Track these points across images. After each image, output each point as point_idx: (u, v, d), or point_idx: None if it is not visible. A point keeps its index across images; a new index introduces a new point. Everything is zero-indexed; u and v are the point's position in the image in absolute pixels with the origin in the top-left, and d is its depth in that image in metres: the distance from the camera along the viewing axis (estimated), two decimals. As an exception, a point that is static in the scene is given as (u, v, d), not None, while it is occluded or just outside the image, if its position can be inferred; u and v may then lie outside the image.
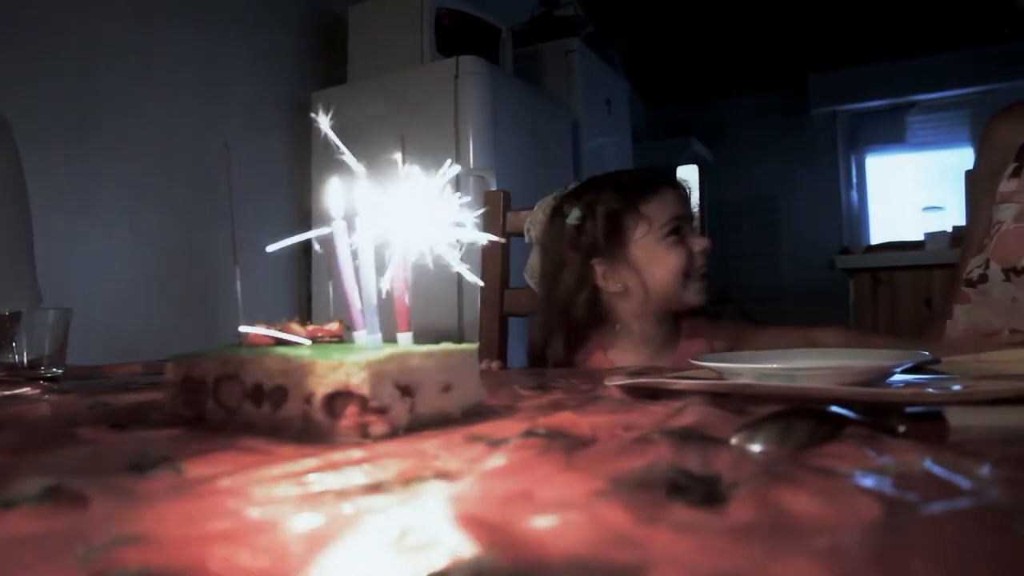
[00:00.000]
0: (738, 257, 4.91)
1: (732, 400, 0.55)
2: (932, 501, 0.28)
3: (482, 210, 0.63)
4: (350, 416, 0.45)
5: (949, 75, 4.24)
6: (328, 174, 0.62)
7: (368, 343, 0.57)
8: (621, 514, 0.27)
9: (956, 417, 0.40)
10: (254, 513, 0.30)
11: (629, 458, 0.37)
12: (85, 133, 2.10)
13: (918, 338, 1.29)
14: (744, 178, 4.93)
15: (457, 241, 0.59)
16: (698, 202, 1.34)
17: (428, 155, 0.62)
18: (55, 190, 2.00)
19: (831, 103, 4.79)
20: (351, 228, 0.58)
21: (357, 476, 0.35)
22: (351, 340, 0.59)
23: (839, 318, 3.25)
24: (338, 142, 0.59)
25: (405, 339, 0.57)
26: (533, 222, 1.47)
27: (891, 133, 4.76)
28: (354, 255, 0.58)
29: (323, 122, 0.59)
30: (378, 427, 0.45)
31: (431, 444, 0.43)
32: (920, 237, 3.25)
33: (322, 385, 0.47)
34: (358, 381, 0.45)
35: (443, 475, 0.35)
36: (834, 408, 0.42)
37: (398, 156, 0.59)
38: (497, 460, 0.37)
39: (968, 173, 1.33)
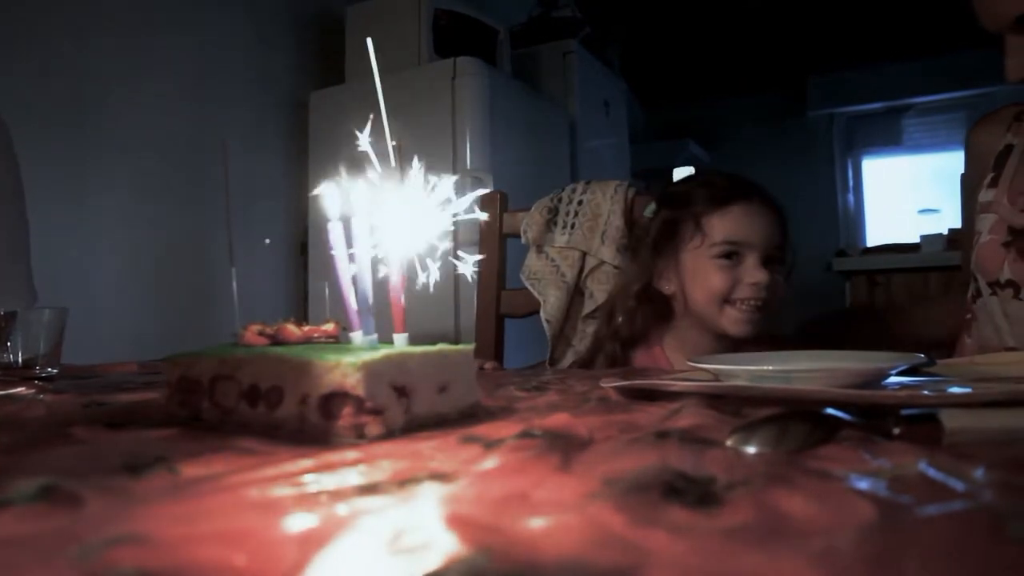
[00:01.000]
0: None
1: (728, 402, 0.55)
2: (926, 503, 0.28)
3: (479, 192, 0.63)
4: (346, 417, 0.45)
5: (945, 78, 4.25)
6: (325, 174, 0.61)
7: (364, 344, 0.57)
8: (616, 516, 0.27)
9: (951, 420, 0.40)
10: (249, 514, 0.30)
11: (624, 460, 0.37)
12: (82, 132, 2.09)
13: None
14: (741, 180, 4.93)
15: (452, 231, 0.59)
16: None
17: (425, 156, 0.62)
18: (52, 189, 1.99)
19: (828, 106, 4.80)
20: (348, 229, 0.58)
21: (352, 477, 0.35)
22: (347, 341, 0.59)
23: (835, 320, 3.25)
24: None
25: (401, 340, 0.56)
26: (530, 223, 1.47)
27: (888, 136, 4.76)
28: (350, 256, 0.58)
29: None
30: (374, 428, 0.45)
31: (427, 445, 0.43)
32: (916, 240, 3.25)
33: (318, 386, 0.47)
34: (354, 382, 0.45)
35: (438, 476, 0.35)
36: (830, 410, 0.42)
37: (394, 159, 0.59)
38: (492, 461, 0.37)
39: (963, 177, 1.33)
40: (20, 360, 0.95)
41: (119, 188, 2.18)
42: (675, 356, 1.21)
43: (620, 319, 1.22)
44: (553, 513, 0.28)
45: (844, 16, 3.95)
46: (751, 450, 0.39)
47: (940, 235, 3.11)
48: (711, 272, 1.12)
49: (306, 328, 0.60)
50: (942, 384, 0.64)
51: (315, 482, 0.34)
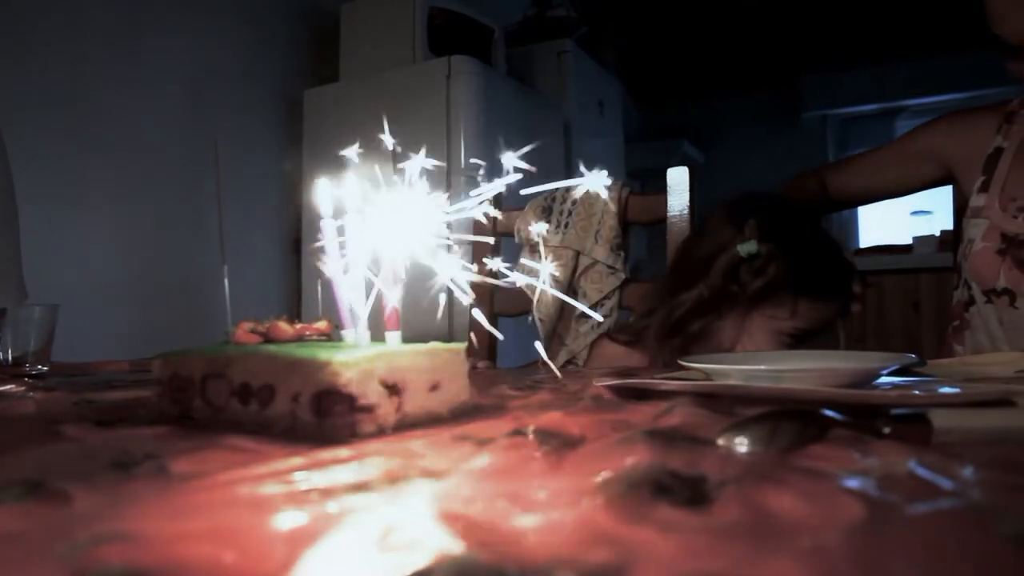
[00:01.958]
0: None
1: (720, 401, 0.55)
2: (915, 502, 0.28)
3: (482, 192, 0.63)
4: (337, 415, 0.45)
5: (938, 81, 4.26)
6: (319, 172, 0.61)
7: (356, 342, 0.57)
8: (605, 514, 0.27)
9: (941, 419, 0.40)
10: (239, 511, 0.29)
11: (615, 458, 0.37)
12: (74, 129, 2.09)
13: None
14: (735, 180, 4.92)
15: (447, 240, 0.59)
16: (687, 204, 1.35)
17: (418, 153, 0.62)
18: (43, 186, 1.99)
19: (822, 107, 4.81)
20: (341, 227, 0.58)
21: (343, 475, 0.35)
22: (339, 339, 0.59)
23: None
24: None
25: (393, 338, 0.56)
26: (524, 222, 1.47)
27: (880, 137, 4.77)
28: (343, 254, 0.58)
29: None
30: (365, 426, 0.45)
31: (418, 443, 0.43)
32: (909, 241, 3.26)
33: (309, 384, 0.47)
34: (345, 380, 0.45)
35: (429, 474, 0.35)
36: (821, 410, 0.42)
37: (389, 158, 0.59)
38: (484, 459, 0.37)
39: (925, 127, 1.31)
40: (10, 358, 0.95)
41: (111, 185, 2.17)
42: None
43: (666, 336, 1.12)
44: (543, 511, 0.28)
45: (838, 18, 3.96)
46: (742, 449, 0.39)
47: (932, 236, 3.12)
48: (758, 328, 1.07)
49: (298, 326, 0.60)
50: (932, 384, 0.65)
51: (306, 480, 0.34)
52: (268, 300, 2.68)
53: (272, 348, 0.52)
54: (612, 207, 1.41)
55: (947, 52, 4.06)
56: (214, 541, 0.25)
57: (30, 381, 0.88)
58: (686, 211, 1.34)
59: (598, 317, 1.38)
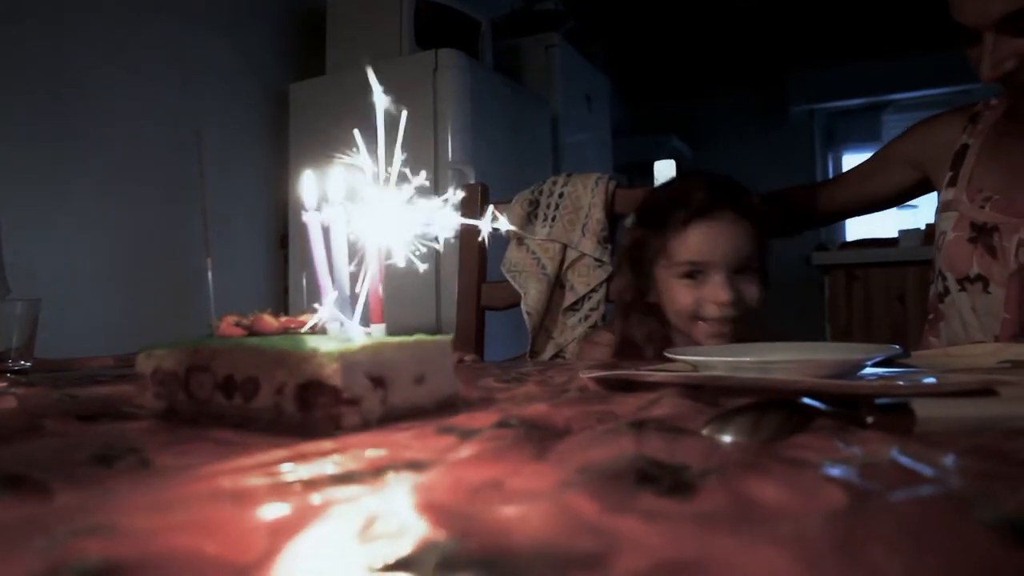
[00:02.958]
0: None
1: (706, 392, 0.56)
2: (896, 489, 0.28)
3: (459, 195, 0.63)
4: (322, 407, 0.45)
5: (924, 75, 4.28)
6: (305, 165, 0.61)
7: (341, 334, 0.57)
8: (589, 503, 0.27)
9: (923, 409, 0.41)
10: (221, 503, 0.29)
11: (600, 448, 0.37)
12: (58, 123, 2.07)
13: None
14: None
15: (434, 238, 0.59)
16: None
17: (406, 148, 0.62)
18: (25, 180, 1.97)
19: (809, 102, 4.82)
20: (325, 220, 0.58)
21: (327, 467, 0.35)
22: (324, 332, 0.59)
23: (814, 313, 3.28)
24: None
25: (378, 331, 0.56)
26: (510, 216, 1.47)
27: (867, 132, 4.79)
28: (327, 247, 0.58)
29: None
30: (350, 418, 0.45)
31: (403, 435, 0.43)
32: (894, 234, 3.28)
33: (294, 376, 0.47)
34: (330, 372, 0.45)
35: (413, 466, 0.34)
36: (805, 400, 0.43)
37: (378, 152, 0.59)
38: (468, 451, 0.37)
39: (898, 141, 1.35)
40: (-7, 353, 0.94)
41: (95, 179, 2.16)
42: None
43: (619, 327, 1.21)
44: (527, 500, 0.28)
45: (825, 14, 3.97)
46: (726, 439, 0.39)
47: (918, 230, 3.14)
48: (676, 291, 1.11)
49: (283, 319, 0.60)
50: (915, 375, 0.65)
51: (289, 472, 0.34)
52: (254, 294, 2.66)
53: (256, 341, 0.52)
54: (599, 200, 1.41)
55: (932, 48, 4.07)
56: (195, 533, 0.25)
57: (12, 376, 0.88)
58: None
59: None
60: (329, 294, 0.56)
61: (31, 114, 2.00)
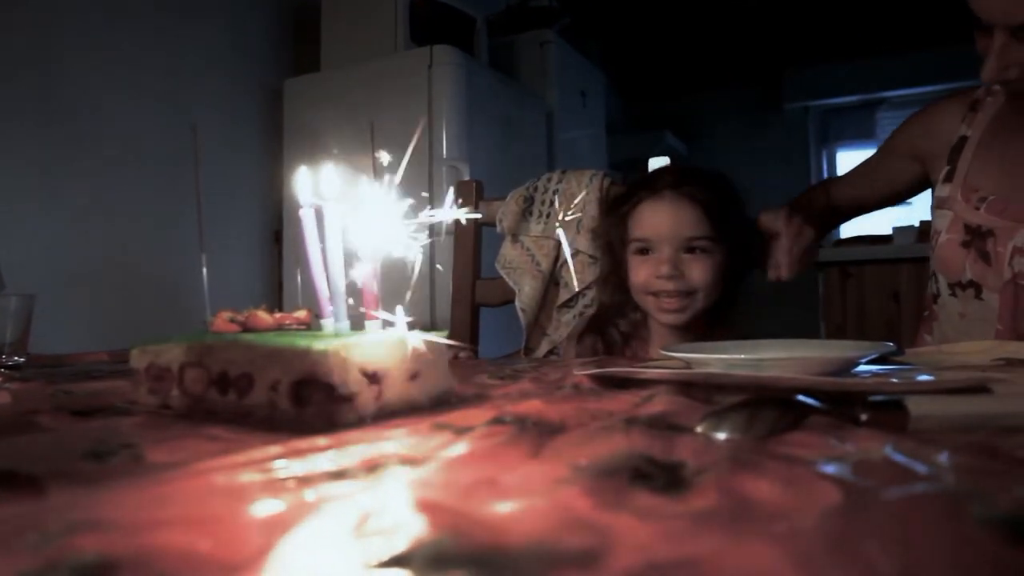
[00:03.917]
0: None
1: (700, 389, 0.56)
2: (890, 487, 0.29)
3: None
4: (316, 404, 0.45)
5: (918, 73, 4.28)
6: (300, 162, 0.61)
7: (335, 331, 0.57)
8: (583, 500, 0.27)
9: (917, 406, 0.41)
10: (215, 499, 0.29)
11: (594, 446, 0.37)
12: (51, 119, 2.06)
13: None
14: (717, 171, 4.96)
15: (427, 228, 0.58)
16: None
17: (400, 145, 0.62)
18: (20, 176, 1.96)
19: (804, 99, 4.82)
20: (320, 216, 0.58)
21: (321, 463, 0.35)
22: (318, 328, 0.59)
23: (809, 310, 3.29)
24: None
25: (373, 327, 0.56)
26: (505, 212, 1.47)
27: (862, 129, 4.80)
28: (322, 243, 0.57)
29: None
30: (345, 415, 0.45)
31: (397, 432, 0.43)
32: (888, 232, 3.29)
33: (288, 372, 0.46)
34: (325, 368, 0.45)
35: (408, 462, 0.34)
36: (799, 397, 0.43)
37: (369, 146, 0.59)
38: (462, 447, 0.37)
39: (900, 132, 1.32)
40: (-14, 348, 0.94)
41: (89, 175, 2.15)
42: (646, 342, 1.23)
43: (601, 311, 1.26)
44: (521, 497, 0.28)
45: (820, 11, 3.98)
46: (721, 436, 0.39)
47: (912, 227, 3.14)
48: (632, 267, 1.17)
49: (277, 315, 0.60)
50: (909, 372, 0.65)
51: (283, 468, 0.34)
52: (249, 290, 2.66)
53: (251, 337, 0.52)
54: (594, 197, 1.41)
55: (926, 45, 4.09)
56: (189, 529, 0.25)
57: (6, 372, 0.87)
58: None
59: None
60: (323, 290, 0.56)
61: (23, 109, 1.99)
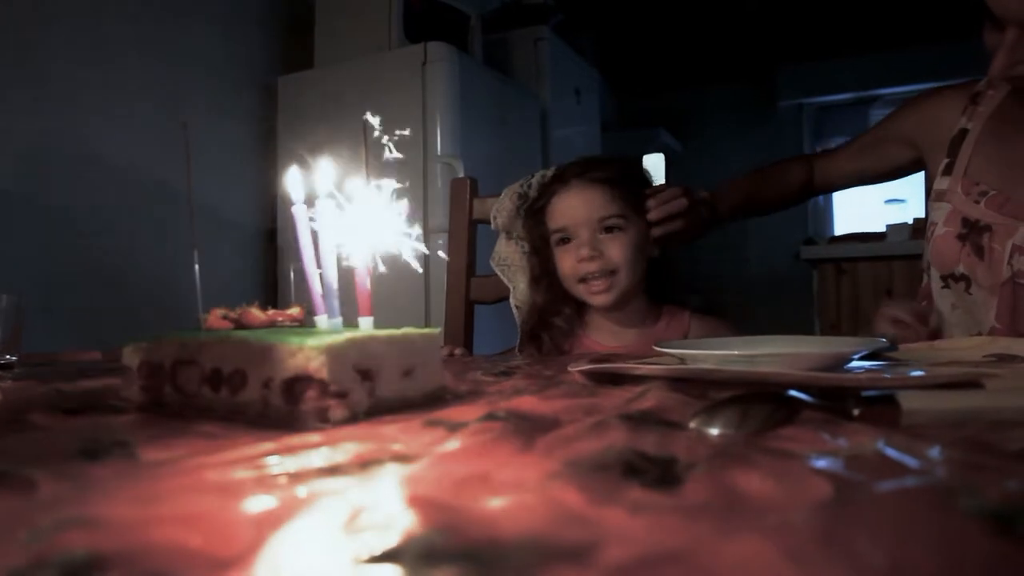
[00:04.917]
0: (704, 247, 4.96)
1: (693, 385, 0.56)
2: (882, 481, 0.29)
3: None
4: (309, 400, 0.45)
5: (912, 70, 4.29)
6: (294, 159, 0.61)
7: (328, 327, 0.57)
8: (575, 495, 0.27)
9: (909, 401, 0.41)
10: (207, 496, 0.29)
11: (587, 441, 0.37)
12: (43, 115, 2.05)
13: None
14: (712, 169, 4.94)
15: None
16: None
17: (395, 141, 0.62)
18: (9, 173, 1.95)
19: (798, 96, 4.83)
20: (313, 213, 0.58)
21: (314, 460, 0.35)
22: (312, 325, 0.59)
23: (803, 307, 3.30)
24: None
25: (366, 324, 0.56)
26: (500, 210, 1.47)
27: (855, 126, 4.81)
28: (315, 240, 0.57)
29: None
30: (337, 411, 0.45)
31: (390, 428, 0.43)
32: (882, 228, 3.30)
33: (281, 369, 0.46)
34: (317, 365, 0.45)
35: (401, 458, 0.34)
36: (792, 392, 0.43)
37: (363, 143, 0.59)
38: (455, 443, 0.37)
39: (895, 115, 1.33)
40: (-22, 346, 0.93)
41: (80, 172, 2.14)
42: (596, 335, 1.28)
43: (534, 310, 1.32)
44: (513, 493, 0.28)
45: (814, 8, 3.98)
46: (713, 431, 0.39)
47: (906, 224, 3.16)
48: (559, 259, 1.23)
49: (270, 312, 0.60)
50: (901, 367, 0.66)
51: (276, 465, 0.34)
52: (242, 287, 2.65)
53: (243, 334, 0.52)
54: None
55: (921, 42, 4.10)
56: (180, 525, 0.25)
57: (-2, 370, 0.87)
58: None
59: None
60: (316, 288, 0.56)
61: (10, 107, 1.98)
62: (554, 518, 0.25)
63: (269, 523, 0.25)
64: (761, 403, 0.41)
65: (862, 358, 0.69)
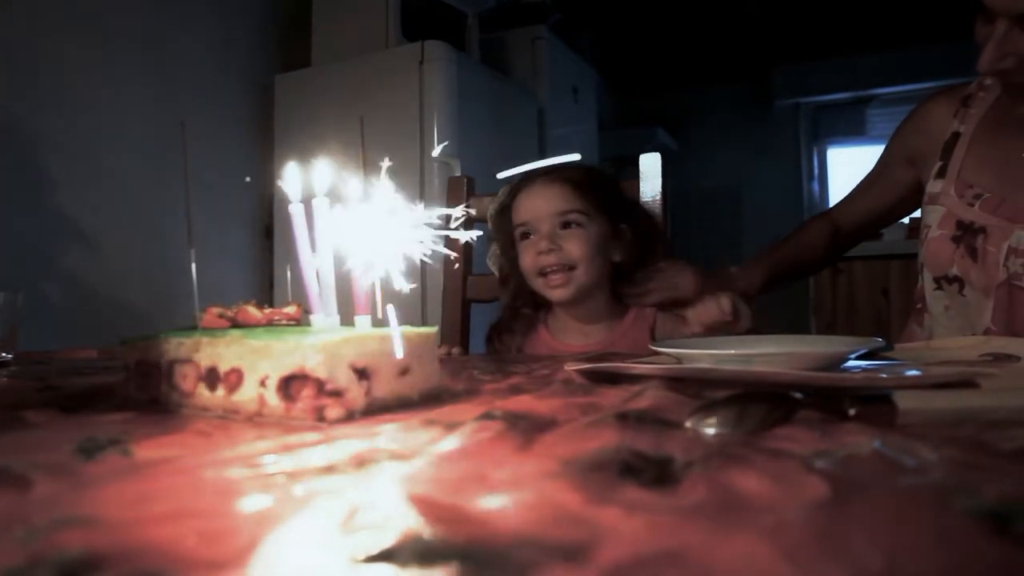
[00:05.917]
0: (701, 246, 4.95)
1: (690, 384, 0.56)
2: (877, 480, 0.29)
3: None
4: (306, 399, 0.45)
5: (908, 70, 4.30)
6: (290, 157, 0.61)
7: (325, 326, 0.57)
8: (572, 494, 0.27)
9: (905, 401, 0.41)
10: (203, 495, 0.29)
11: (583, 440, 0.37)
12: (38, 113, 2.04)
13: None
14: (709, 168, 4.97)
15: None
16: (659, 190, 1.35)
17: (392, 141, 0.62)
18: (5, 171, 1.95)
19: (794, 96, 4.84)
20: (310, 212, 0.58)
21: (310, 458, 0.35)
22: (309, 323, 0.59)
23: (798, 306, 3.30)
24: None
25: (363, 322, 0.56)
26: (490, 210, 1.47)
27: (852, 126, 4.82)
28: (312, 239, 0.57)
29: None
30: (334, 410, 0.45)
31: (387, 427, 0.43)
32: (879, 228, 3.30)
33: (277, 368, 0.46)
34: (314, 364, 0.45)
35: (397, 457, 0.34)
36: (788, 392, 0.43)
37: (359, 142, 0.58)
38: (452, 442, 0.37)
39: (897, 135, 1.31)
40: (-26, 344, 0.93)
41: (77, 170, 2.13)
42: (560, 335, 1.29)
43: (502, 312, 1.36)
44: (510, 492, 0.28)
45: (811, 8, 3.99)
46: (710, 431, 0.39)
47: (901, 224, 3.15)
48: (520, 253, 1.26)
49: (267, 311, 0.60)
50: (898, 367, 0.66)
51: (272, 463, 0.34)
52: (240, 286, 2.65)
53: (240, 333, 0.52)
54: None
55: (917, 42, 4.11)
56: (176, 524, 0.25)
57: (-6, 368, 0.87)
58: (658, 197, 1.35)
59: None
60: (313, 286, 0.56)
61: (7, 106, 1.97)
62: (551, 517, 0.25)
63: (265, 522, 0.25)
64: (758, 403, 0.41)
65: (858, 358, 0.70)
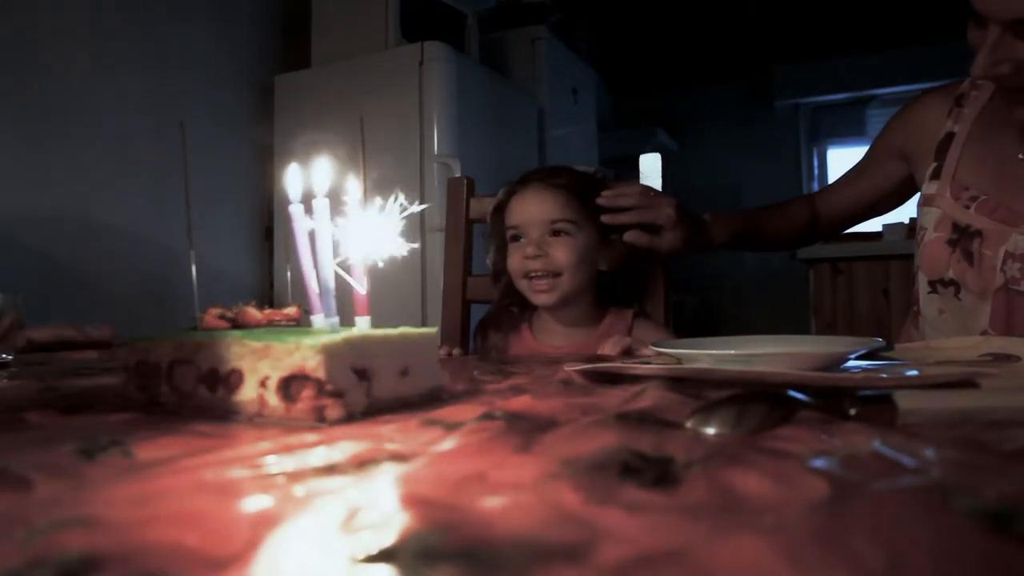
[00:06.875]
0: (701, 246, 4.96)
1: (690, 385, 0.56)
2: (878, 480, 0.29)
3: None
4: (306, 400, 0.45)
5: (908, 70, 4.30)
6: (290, 157, 0.61)
7: (325, 327, 0.57)
8: (572, 495, 0.27)
9: (905, 401, 0.41)
10: (204, 495, 0.29)
11: (584, 441, 0.37)
12: (38, 113, 2.04)
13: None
14: (709, 168, 4.97)
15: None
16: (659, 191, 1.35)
17: (392, 141, 0.62)
18: (6, 174, 1.95)
19: (794, 96, 4.84)
20: (310, 212, 0.58)
21: (311, 459, 0.35)
22: (308, 324, 0.59)
23: (799, 307, 3.30)
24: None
25: (363, 323, 0.56)
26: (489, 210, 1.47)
27: (852, 126, 4.82)
28: (312, 239, 0.57)
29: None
30: (334, 411, 0.45)
31: (387, 428, 0.43)
32: (878, 228, 3.30)
33: (278, 369, 0.46)
34: (314, 364, 0.45)
35: (397, 458, 0.34)
36: (788, 392, 0.43)
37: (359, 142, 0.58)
38: (452, 443, 0.37)
39: (886, 132, 1.31)
40: (-27, 346, 0.93)
41: (76, 169, 2.14)
42: (541, 336, 1.31)
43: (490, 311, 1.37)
44: (510, 492, 0.28)
45: (811, 8, 3.99)
46: (710, 431, 0.39)
47: (901, 224, 3.16)
48: (509, 254, 1.27)
49: (267, 311, 0.60)
50: (898, 367, 0.66)
51: (273, 464, 0.34)
52: (239, 287, 2.65)
53: (240, 333, 0.52)
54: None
55: (916, 42, 4.11)
56: (177, 525, 0.25)
57: (-6, 369, 0.87)
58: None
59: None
60: (313, 287, 0.56)
61: (8, 107, 1.97)
62: (551, 518, 0.25)
63: (266, 522, 0.25)
64: (758, 403, 0.41)
65: (858, 358, 0.70)
